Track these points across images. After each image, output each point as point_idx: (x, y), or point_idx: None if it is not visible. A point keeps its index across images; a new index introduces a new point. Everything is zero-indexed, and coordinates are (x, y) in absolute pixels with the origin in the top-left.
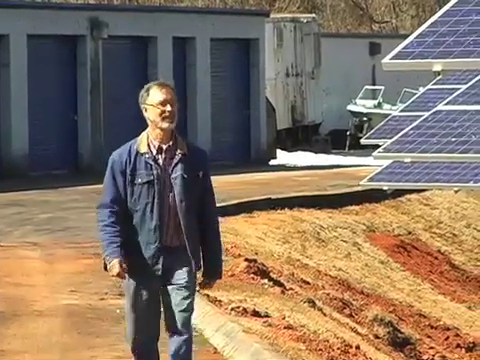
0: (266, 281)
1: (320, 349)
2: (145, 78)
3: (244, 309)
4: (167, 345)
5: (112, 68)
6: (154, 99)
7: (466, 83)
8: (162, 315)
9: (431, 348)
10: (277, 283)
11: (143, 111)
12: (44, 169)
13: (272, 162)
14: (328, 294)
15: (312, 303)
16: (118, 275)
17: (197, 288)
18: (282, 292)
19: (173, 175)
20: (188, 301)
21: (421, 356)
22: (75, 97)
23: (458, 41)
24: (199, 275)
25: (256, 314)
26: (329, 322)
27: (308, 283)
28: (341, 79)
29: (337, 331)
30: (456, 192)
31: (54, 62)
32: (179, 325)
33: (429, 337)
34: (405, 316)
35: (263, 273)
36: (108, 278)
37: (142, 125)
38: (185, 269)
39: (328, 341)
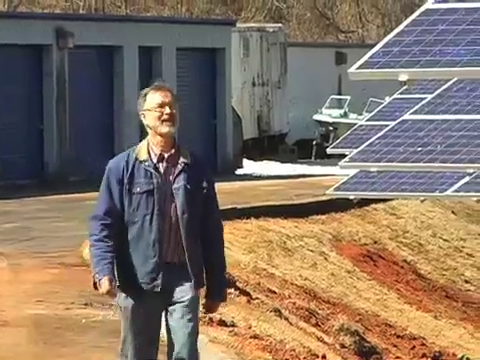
0: (232, 290)
1: (286, 359)
2: (111, 87)
3: (210, 318)
4: None
5: (78, 78)
6: (151, 103)
7: (432, 93)
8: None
9: (397, 358)
10: (243, 292)
11: (142, 118)
12: (9, 179)
13: (238, 171)
14: (294, 303)
15: (278, 312)
16: (108, 293)
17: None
18: (248, 301)
19: (175, 185)
20: (192, 323)
21: None
22: (41, 106)
23: (424, 51)
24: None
25: (222, 323)
26: (295, 331)
27: (274, 292)
28: (307, 89)
29: (303, 340)
30: (422, 201)
31: (20, 71)
32: (186, 352)
33: (395, 346)
34: (371, 325)
35: (229, 282)
36: (74, 288)
37: (109, 135)
38: (187, 288)
39: (294, 350)
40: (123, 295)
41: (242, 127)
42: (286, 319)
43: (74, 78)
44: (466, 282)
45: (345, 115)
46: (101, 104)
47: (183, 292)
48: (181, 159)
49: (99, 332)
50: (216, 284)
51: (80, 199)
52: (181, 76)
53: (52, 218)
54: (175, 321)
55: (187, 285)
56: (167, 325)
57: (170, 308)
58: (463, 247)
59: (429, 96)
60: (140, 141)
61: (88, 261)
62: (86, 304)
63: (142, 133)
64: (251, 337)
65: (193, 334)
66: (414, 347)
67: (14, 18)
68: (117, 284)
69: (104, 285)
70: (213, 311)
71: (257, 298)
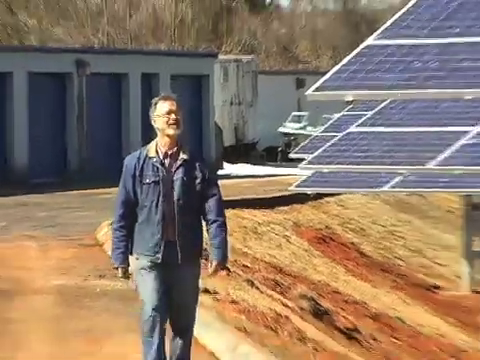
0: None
1: (257, 319)
2: (119, 106)
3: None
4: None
5: (94, 99)
6: (161, 110)
7: (372, 110)
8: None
9: (344, 317)
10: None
11: (152, 122)
12: (40, 177)
13: (220, 172)
14: (263, 276)
15: (251, 283)
16: (122, 277)
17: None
18: (227, 274)
19: (175, 177)
20: (188, 293)
21: (336, 324)
22: (65, 121)
23: (366, 77)
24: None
25: (207, 291)
26: (265, 298)
27: (248, 267)
28: (274, 107)
29: (271, 305)
30: (364, 195)
31: (49, 94)
32: (182, 314)
33: (343, 309)
34: (324, 293)
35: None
36: (90, 264)
37: (117, 142)
38: (189, 267)
39: (263, 313)
40: (137, 261)
41: (222, 137)
42: (257, 288)
43: (90, 99)
44: (398, 259)
45: (303, 128)
46: (111, 119)
47: (186, 265)
48: (181, 155)
49: (109, 299)
50: (216, 253)
51: (95, 194)
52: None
53: (73, 209)
54: (179, 288)
55: (191, 259)
56: (171, 302)
57: (173, 278)
58: (396, 231)
59: (370, 113)
60: (142, 146)
61: (101, 242)
62: (100, 276)
63: (143, 140)
64: (229, 302)
65: (194, 305)
66: (357, 309)
67: (44, 51)
68: (124, 262)
69: (119, 273)
70: (215, 275)
71: (234, 272)
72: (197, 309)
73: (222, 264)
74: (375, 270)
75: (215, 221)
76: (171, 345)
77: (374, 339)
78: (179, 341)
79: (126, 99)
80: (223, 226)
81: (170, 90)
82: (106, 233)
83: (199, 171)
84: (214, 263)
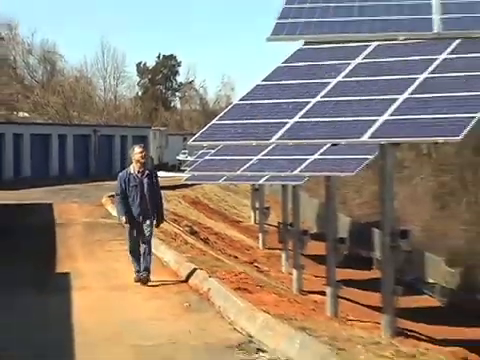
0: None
1: (167, 235)
2: (111, 149)
3: (162, 232)
4: (141, 260)
5: (103, 146)
6: (137, 151)
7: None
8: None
9: (203, 234)
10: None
11: (131, 156)
12: (76, 177)
13: None
14: (171, 218)
15: (166, 222)
16: (124, 222)
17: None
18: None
19: (144, 182)
20: (149, 229)
21: (200, 237)
22: (88, 156)
23: (224, 137)
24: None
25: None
26: (172, 226)
27: (175, 220)
28: (174, 149)
29: (173, 229)
30: (212, 184)
31: (80, 145)
32: (146, 239)
33: (202, 231)
34: (195, 224)
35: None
36: (99, 213)
37: (110, 164)
38: (148, 221)
39: (170, 232)
40: (127, 221)
41: (153, 161)
42: (168, 223)
43: (101, 146)
44: (225, 210)
45: (186, 157)
46: (108, 154)
47: (148, 221)
48: (146, 172)
49: (106, 227)
50: (159, 217)
51: (100, 184)
52: (131, 146)
53: (91, 189)
54: (144, 230)
55: (149, 218)
56: (141, 231)
57: (143, 225)
58: (225, 199)
59: (212, 151)
60: (122, 168)
61: (105, 205)
62: (102, 217)
63: (122, 165)
64: (159, 231)
65: (150, 234)
66: (208, 230)
67: (75, 126)
68: (126, 216)
69: (123, 219)
70: (158, 226)
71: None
72: (153, 236)
73: (161, 221)
74: (216, 214)
75: (158, 201)
76: (142, 253)
77: (215, 242)
78: (146, 248)
79: (116, 145)
80: (160, 203)
81: (133, 143)
82: (106, 200)
83: (153, 178)
84: (160, 223)
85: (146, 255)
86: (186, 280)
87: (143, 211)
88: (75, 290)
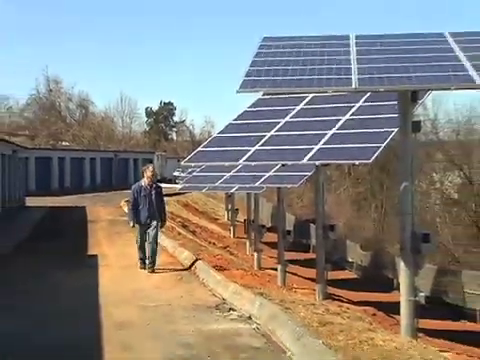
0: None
1: (168, 229)
2: (127, 167)
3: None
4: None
5: (121, 166)
6: (147, 170)
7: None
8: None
9: (192, 226)
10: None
11: (144, 173)
12: (103, 187)
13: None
14: (169, 216)
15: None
16: (133, 226)
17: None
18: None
19: (152, 192)
20: (155, 231)
21: (189, 229)
22: (111, 173)
23: (206, 159)
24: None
25: (172, 230)
26: (171, 222)
27: (173, 218)
28: (172, 168)
29: (171, 224)
30: (199, 192)
31: (104, 166)
32: (152, 239)
33: (191, 224)
34: (185, 220)
35: (171, 218)
36: (118, 212)
37: (126, 178)
38: (154, 222)
39: (169, 227)
40: (137, 225)
41: (157, 176)
42: (168, 220)
43: (120, 166)
44: (210, 209)
45: (180, 173)
46: (124, 172)
47: (154, 222)
48: (154, 185)
49: (125, 223)
50: (163, 220)
51: (120, 192)
52: (141, 165)
53: (113, 196)
54: (151, 231)
55: (155, 221)
56: (148, 233)
57: (149, 229)
58: (207, 202)
59: (199, 169)
60: (135, 181)
61: (123, 207)
62: (120, 216)
63: (135, 178)
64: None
65: (156, 235)
66: (195, 225)
67: (102, 151)
68: (135, 221)
69: (131, 223)
70: (162, 227)
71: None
72: (158, 236)
73: (164, 223)
74: (201, 214)
75: (162, 207)
76: (149, 247)
77: (200, 233)
78: (152, 245)
79: (130, 165)
80: (164, 209)
81: (142, 164)
82: (123, 204)
83: (160, 190)
84: (164, 223)
85: (152, 250)
86: (179, 260)
87: (150, 215)
88: (100, 267)
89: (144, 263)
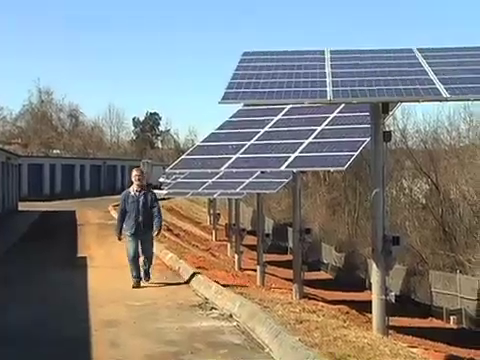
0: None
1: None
2: (115, 173)
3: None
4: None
5: (110, 172)
6: (134, 173)
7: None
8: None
9: (177, 231)
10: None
11: (132, 178)
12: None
13: None
14: (164, 223)
15: (170, 233)
16: (119, 239)
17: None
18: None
19: (140, 200)
20: (146, 246)
21: (175, 233)
22: (99, 180)
23: (190, 167)
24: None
25: (168, 230)
26: (177, 241)
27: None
28: (158, 174)
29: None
30: (183, 197)
31: (93, 172)
32: (146, 251)
33: (175, 229)
34: (171, 225)
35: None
36: (107, 217)
37: (113, 184)
38: (148, 232)
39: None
40: (126, 233)
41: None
42: (165, 232)
43: (108, 172)
44: (194, 214)
45: (165, 179)
46: (113, 177)
47: (147, 233)
48: (142, 191)
49: (113, 227)
50: (157, 228)
51: (106, 198)
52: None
53: (100, 201)
54: (144, 242)
55: (148, 231)
56: (141, 244)
57: (142, 239)
58: (192, 207)
59: (183, 176)
60: (128, 187)
61: (110, 211)
62: (109, 220)
63: (123, 184)
64: (170, 234)
65: (150, 246)
66: (180, 229)
67: (91, 159)
68: (118, 234)
69: (118, 238)
70: (158, 235)
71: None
72: (154, 246)
73: (159, 231)
74: (184, 218)
75: (157, 216)
76: (143, 261)
77: (184, 236)
78: (146, 260)
79: (118, 172)
80: (159, 217)
81: (129, 171)
82: (111, 208)
83: (150, 196)
84: (156, 231)
85: (146, 266)
86: (164, 262)
87: (138, 223)
88: (89, 268)
89: (139, 282)
